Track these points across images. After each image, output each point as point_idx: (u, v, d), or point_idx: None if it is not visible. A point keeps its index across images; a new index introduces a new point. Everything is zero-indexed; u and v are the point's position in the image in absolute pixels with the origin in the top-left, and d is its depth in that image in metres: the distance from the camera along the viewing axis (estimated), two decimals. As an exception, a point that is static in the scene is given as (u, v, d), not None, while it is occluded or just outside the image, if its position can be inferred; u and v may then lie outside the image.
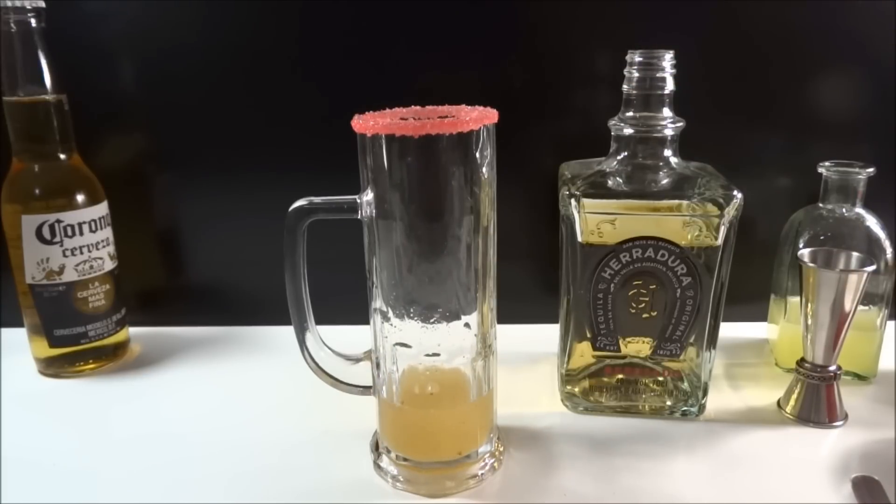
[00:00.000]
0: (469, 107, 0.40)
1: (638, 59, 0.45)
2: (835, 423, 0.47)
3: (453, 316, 0.40)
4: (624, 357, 0.49)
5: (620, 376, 0.49)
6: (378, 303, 0.40)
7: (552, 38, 0.57)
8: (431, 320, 0.40)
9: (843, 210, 0.51)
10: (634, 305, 0.47)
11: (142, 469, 0.44)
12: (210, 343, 0.62)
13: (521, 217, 0.59)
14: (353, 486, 0.42)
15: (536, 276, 0.62)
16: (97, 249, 0.55)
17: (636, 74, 0.45)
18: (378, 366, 0.42)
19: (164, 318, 0.65)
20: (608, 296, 0.47)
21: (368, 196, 0.39)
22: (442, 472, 0.42)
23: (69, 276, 0.54)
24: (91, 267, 0.55)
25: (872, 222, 0.51)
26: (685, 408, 0.49)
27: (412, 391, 0.42)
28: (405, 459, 0.42)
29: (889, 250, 0.50)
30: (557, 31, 0.57)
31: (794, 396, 0.49)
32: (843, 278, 0.44)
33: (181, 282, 0.65)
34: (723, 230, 0.44)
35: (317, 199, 0.40)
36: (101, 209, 0.56)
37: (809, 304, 0.46)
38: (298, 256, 0.41)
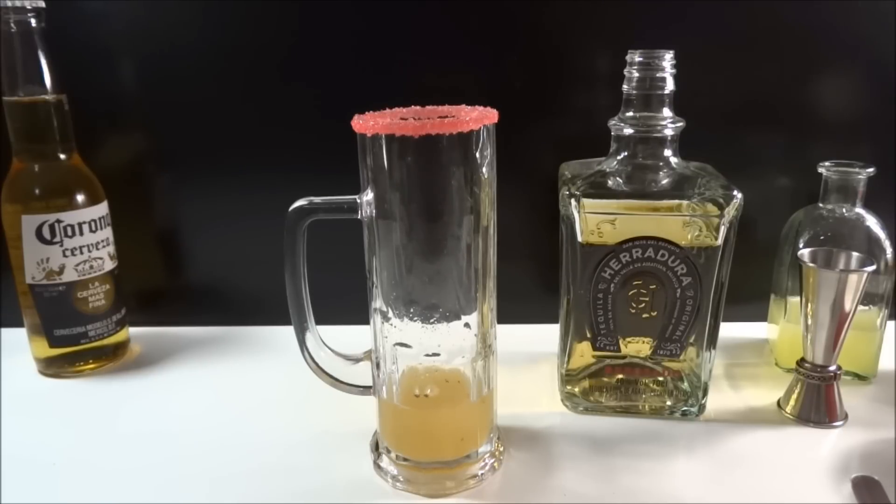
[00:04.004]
0: (469, 107, 0.40)
1: (638, 59, 0.45)
2: (835, 423, 0.47)
3: (453, 316, 0.40)
4: (624, 357, 0.49)
5: (620, 376, 0.49)
6: (378, 303, 0.40)
7: (552, 38, 0.57)
8: (431, 320, 0.40)
9: (843, 210, 0.51)
10: (634, 305, 0.47)
11: (142, 469, 0.44)
12: (210, 343, 0.62)
13: (521, 217, 0.59)
14: (353, 486, 0.42)
15: (536, 276, 0.62)
16: (97, 249, 0.55)
17: (636, 74, 0.45)
18: (378, 366, 0.42)
19: (164, 318, 0.65)
20: (608, 296, 0.47)
21: (368, 196, 0.39)
22: (442, 472, 0.42)
23: (69, 276, 0.54)
24: (91, 267, 0.55)
25: (872, 222, 0.51)
26: (685, 408, 0.49)
27: (412, 391, 0.42)
28: (405, 459, 0.42)
29: (889, 250, 0.50)
30: (557, 31, 0.57)
31: (794, 396, 0.49)
32: (843, 278, 0.44)
33: (181, 282, 0.65)
34: (723, 230, 0.44)
35: (317, 199, 0.40)
36: (101, 209, 0.56)
37: (809, 304, 0.46)
38: (298, 256, 0.41)
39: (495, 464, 0.44)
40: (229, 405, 0.52)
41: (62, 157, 0.54)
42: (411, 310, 0.40)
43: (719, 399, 0.51)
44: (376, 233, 0.39)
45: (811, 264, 0.46)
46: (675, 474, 0.43)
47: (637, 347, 0.48)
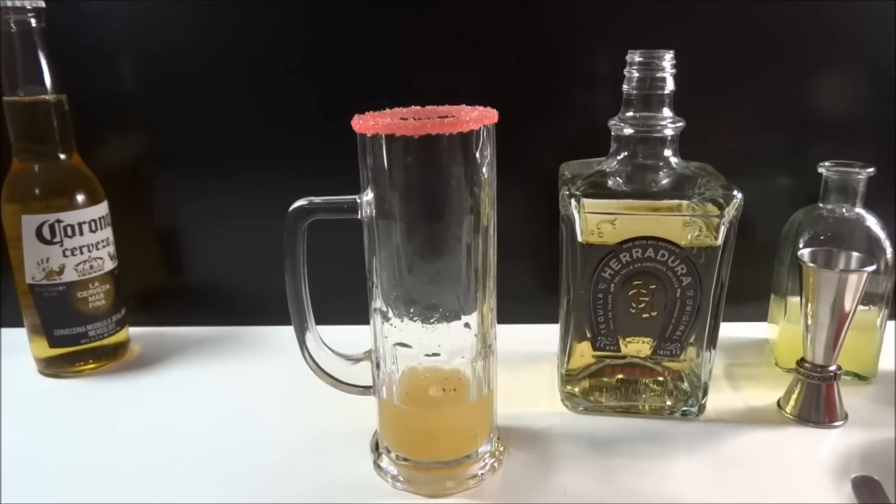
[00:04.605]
0: (469, 107, 0.40)
1: (638, 59, 0.45)
2: (835, 423, 0.47)
3: (453, 316, 0.40)
4: (624, 357, 0.49)
5: (620, 376, 0.49)
6: (378, 303, 0.40)
7: (552, 38, 0.57)
8: (431, 320, 0.40)
9: (843, 210, 0.51)
10: (634, 305, 0.47)
11: (142, 469, 0.44)
12: (210, 343, 0.62)
13: (521, 217, 0.59)
14: (353, 486, 0.42)
15: (536, 276, 0.62)
16: (97, 249, 0.55)
17: (636, 74, 0.45)
18: (378, 366, 0.42)
19: (164, 318, 0.65)
20: (608, 296, 0.47)
21: (368, 196, 0.39)
22: (442, 472, 0.42)
23: (69, 276, 0.54)
24: (91, 267, 0.55)
25: (872, 222, 0.51)
26: (685, 408, 0.49)
27: (412, 391, 0.42)
28: (405, 459, 0.42)
29: (889, 250, 0.50)
30: (557, 31, 0.57)
31: (794, 396, 0.49)
32: (843, 278, 0.44)
33: (181, 282, 0.65)
34: (723, 230, 0.44)
35: (317, 199, 0.40)
36: (101, 209, 0.56)
37: (809, 304, 0.46)
38: (298, 256, 0.41)
39: (495, 464, 0.44)
40: (229, 405, 0.52)
41: (62, 157, 0.54)
42: (411, 310, 0.40)
43: (719, 399, 0.51)
44: (376, 233, 0.39)
45: (811, 264, 0.46)
46: (675, 474, 0.43)
47: (637, 347, 0.48)
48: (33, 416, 0.51)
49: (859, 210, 0.51)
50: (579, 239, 0.46)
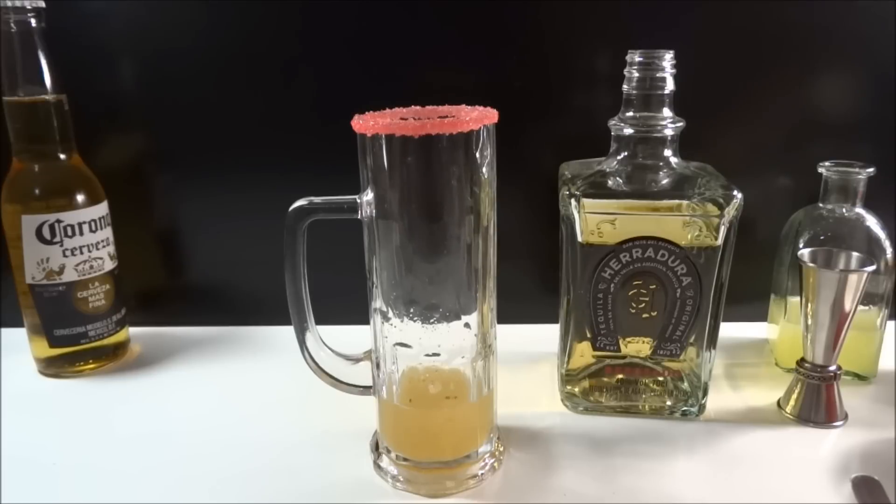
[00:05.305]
0: (469, 107, 0.40)
1: (638, 59, 0.45)
2: (835, 423, 0.47)
3: (453, 316, 0.40)
4: (624, 357, 0.49)
5: (620, 376, 0.49)
6: (378, 303, 0.40)
7: (552, 38, 0.57)
8: (431, 320, 0.40)
9: (843, 210, 0.51)
10: (634, 305, 0.47)
11: (142, 469, 0.44)
12: (210, 343, 0.62)
13: (521, 217, 0.59)
14: (353, 486, 0.42)
15: (536, 276, 0.62)
16: (97, 249, 0.55)
17: (636, 74, 0.45)
18: (378, 366, 0.42)
19: (164, 318, 0.65)
20: (608, 296, 0.47)
21: (368, 196, 0.39)
22: (442, 472, 0.42)
23: (69, 276, 0.54)
24: (91, 267, 0.55)
25: (872, 222, 0.51)
26: (685, 408, 0.49)
27: (412, 391, 0.42)
28: (405, 459, 0.42)
29: (889, 250, 0.50)
30: (557, 31, 0.57)
31: (794, 396, 0.49)
32: (843, 278, 0.44)
33: (181, 282, 0.65)
34: (723, 230, 0.44)
35: (317, 199, 0.40)
36: (101, 209, 0.56)
37: (809, 304, 0.46)
38: (298, 256, 0.41)
39: (495, 464, 0.44)
40: (229, 405, 0.52)
41: (62, 157, 0.54)
42: (411, 310, 0.40)
43: (719, 399, 0.51)
44: (376, 233, 0.39)
45: (811, 264, 0.46)
46: (675, 474, 0.43)
47: (637, 347, 0.48)
48: (33, 416, 0.51)
49: (859, 210, 0.51)
50: (579, 239, 0.46)
